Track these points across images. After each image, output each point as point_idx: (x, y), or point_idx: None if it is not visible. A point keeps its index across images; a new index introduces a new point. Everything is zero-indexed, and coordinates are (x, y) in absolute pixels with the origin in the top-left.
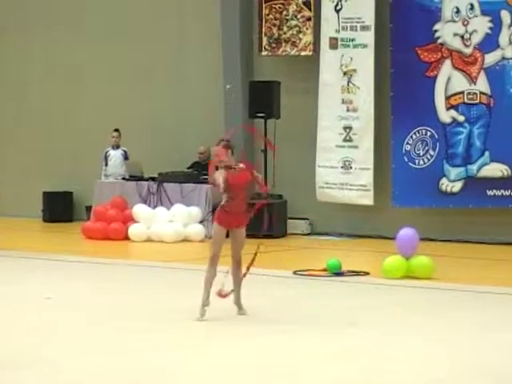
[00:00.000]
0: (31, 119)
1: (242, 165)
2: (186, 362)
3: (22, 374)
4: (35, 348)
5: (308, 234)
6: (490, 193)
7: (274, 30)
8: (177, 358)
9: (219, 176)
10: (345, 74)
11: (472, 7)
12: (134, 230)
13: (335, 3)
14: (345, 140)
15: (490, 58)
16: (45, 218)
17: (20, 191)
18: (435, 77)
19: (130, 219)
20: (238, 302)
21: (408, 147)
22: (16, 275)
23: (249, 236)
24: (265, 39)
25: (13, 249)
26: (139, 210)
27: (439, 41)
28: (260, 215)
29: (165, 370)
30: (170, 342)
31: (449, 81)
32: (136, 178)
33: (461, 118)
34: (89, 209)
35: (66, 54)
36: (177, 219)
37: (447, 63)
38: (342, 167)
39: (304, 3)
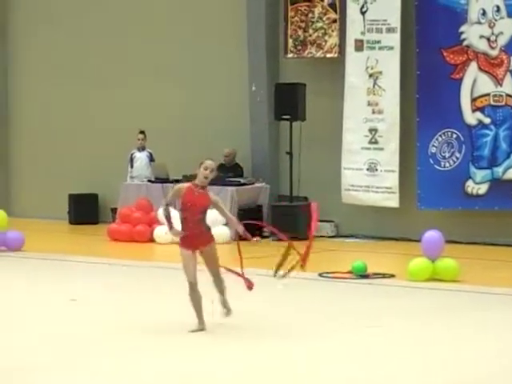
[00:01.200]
0: (57, 122)
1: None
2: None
3: (48, 376)
4: (59, 350)
5: (333, 237)
6: None
7: (300, 32)
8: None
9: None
10: (370, 76)
11: (498, 9)
12: (159, 233)
13: (361, 5)
14: (370, 142)
15: None
16: (71, 220)
17: (46, 193)
18: (461, 79)
19: (155, 221)
20: (227, 306)
21: (434, 149)
22: (41, 276)
23: (275, 238)
24: (290, 41)
25: (39, 250)
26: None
27: (465, 43)
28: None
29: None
30: (196, 343)
31: (475, 83)
32: (161, 180)
33: (486, 121)
34: (114, 211)
35: (92, 56)
36: None
37: (473, 65)
38: (367, 169)
39: (330, 5)
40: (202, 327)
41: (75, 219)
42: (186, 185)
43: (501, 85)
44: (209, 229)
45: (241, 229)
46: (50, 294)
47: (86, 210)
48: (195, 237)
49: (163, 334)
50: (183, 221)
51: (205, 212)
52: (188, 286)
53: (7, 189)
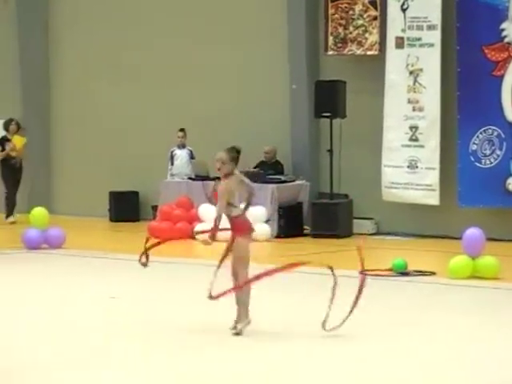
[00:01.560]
0: (98, 120)
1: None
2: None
3: (90, 374)
4: (100, 348)
5: (373, 234)
6: None
7: (340, 29)
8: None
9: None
10: (411, 73)
11: None
12: (199, 230)
13: (401, 2)
14: (411, 139)
15: None
16: (111, 218)
17: (87, 191)
18: (502, 76)
19: (196, 219)
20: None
21: (474, 147)
22: (82, 274)
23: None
24: (331, 39)
25: (80, 248)
26: (205, 209)
27: (506, 40)
28: None
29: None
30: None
31: None
32: (202, 177)
33: None
34: (155, 208)
35: (133, 55)
36: None
37: None
38: (407, 167)
39: (370, 3)
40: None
41: (116, 217)
42: (223, 181)
43: None
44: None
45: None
46: (90, 292)
47: (126, 208)
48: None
49: (203, 333)
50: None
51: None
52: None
53: (49, 187)
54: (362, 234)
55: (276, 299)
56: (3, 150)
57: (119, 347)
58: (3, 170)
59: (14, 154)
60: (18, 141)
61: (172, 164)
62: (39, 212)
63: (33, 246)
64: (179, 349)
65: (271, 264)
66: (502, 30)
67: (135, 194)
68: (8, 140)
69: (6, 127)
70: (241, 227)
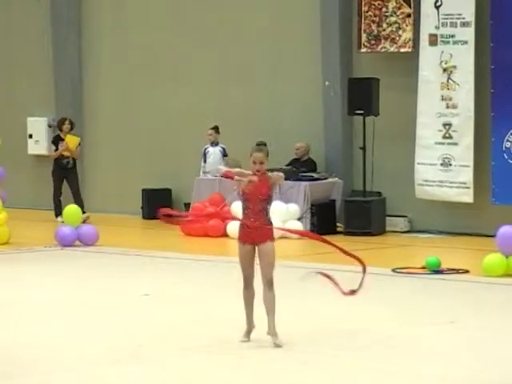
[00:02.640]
0: (131, 118)
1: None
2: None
3: (122, 370)
4: (132, 345)
5: (407, 232)
6: None
7: (374, 26)
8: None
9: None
10: (444, 70)
11: None
12: (232, 227)
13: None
14: (444, 137)
15: None
16: (144, 215)
17: (120, 188)
18: None
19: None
20: (272, 331)
21: (508, 144)
22: (115, 271)
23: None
24: (364, 36)
25: (113, 245)
26: (238, 207)
27: None
28: None
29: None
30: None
31: None
32: None
33: None
34: (187, 206)
35: (166, 53)
36: (275, 216)
37: None
38: (441, 164)
39: (403, 0)
40: (249, 329)
41: (148, 214)
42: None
43: None
44: (271, 223)
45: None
46: (122, 289)
47: (159, 205)
48: (255, 230)
49: (235, 331)
50: (244, 212)
51: (266, 202)
52: (243, 282)
53: (82, 184)
54: (395, 232)
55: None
56: (57, 149)
57: (152, 344)
58: (55, 169)
59: (66, 153)
60: (70, 140)
61: (205, 161)
62: (72, 209)
63: (66, 243)
64: (212, 345)
65: (304, 262)
66: None
67: (168, 191)
68: (61, 139)
69: (60, 126)
70: (271, 230)
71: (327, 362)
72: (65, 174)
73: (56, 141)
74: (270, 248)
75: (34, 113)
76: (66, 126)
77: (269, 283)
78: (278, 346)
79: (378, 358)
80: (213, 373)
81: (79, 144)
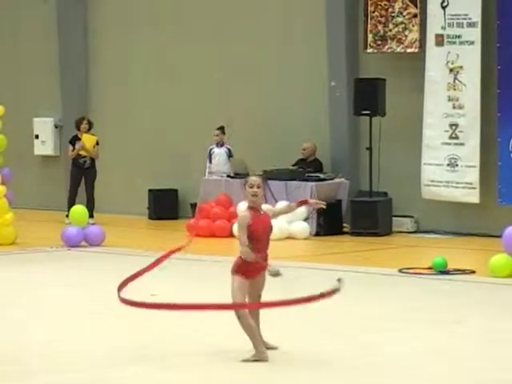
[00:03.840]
0: (137, 119)
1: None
2: None
3: (130, 371)
4: (139, 345)
5: (413, 232)
6: None
7: (380, 27)
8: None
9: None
10: (451, 71)
11: None
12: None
13: (441, 0)
14: (451, 137)
15: None
16: (150, 216)
17: (126, 189)
18: None
19: (235, 217)
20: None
21: None
22: (122, 271)
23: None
24: (370, 36)
25: (119, 246)
26: (244, 207)
27: None
28: None
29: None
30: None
31: None
32: (241, 175)
33: None
34: (194, 206)
35: (172, 52)
36: (281, 216)
37: None
38: (447, 165)
39: (410, 0)
40: (262, 357)
41: (155, 214)
42: (246, 212)
43: None
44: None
45: (312, 201)
46: (130, 290)
47: (165, 206)
48: (258, 265)
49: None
50: (254, 251)
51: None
52: (240, 316)
53: None
54: (401, 232)
55: None
56: (74, 149)
57: (159, 345)
58: (72, 169)
59: (83, 153)
60: (87, 140)
61: (210, 162)
62: (79, 210)
63: (72, 243)
64: (219, 345)
65: (310, 262)
66: None
67: (174, 191)
68: (79, 139)
69: (78, 126)
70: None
71: (329, 362)
72: (82, 174)
73: (73, 140)
74: (264, 276)
75: (40, 113)
76: (84, 126)
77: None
78: (273, 347)
79: (383, 358)
80: (219, 373)
81: (97, 143)
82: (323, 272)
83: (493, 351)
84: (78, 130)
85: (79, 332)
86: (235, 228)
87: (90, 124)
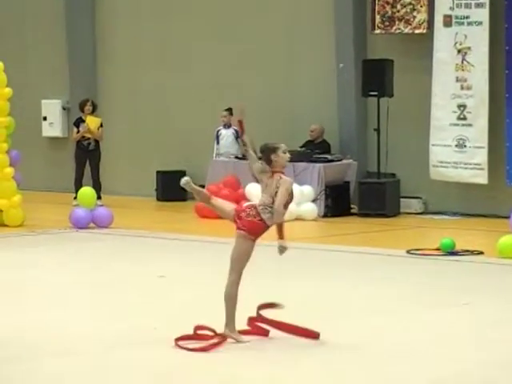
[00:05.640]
0: (144, 99)
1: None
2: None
3: (137, 352)
4: (149, 327)
5: (421, 213)
6: None
7: (388, 7)
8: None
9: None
10: (459, 51)
11: None
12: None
13: None
14: (459, 118)
15: None
16: (158, 197)
17: (134, 171)
18: None
19: (243, 198)
20: None
21: None
22: (131, 253)
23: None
24: (378, 17)
25: (128, 227)
26: (252, 189)
27: None
28: None
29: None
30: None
31: None
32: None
33: None
34: (202, 188)
35: (180, 36)
36: None
37: None
38: (455, 145)
39: None
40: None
41: (163, 196)
42: (289, 179)
43: None
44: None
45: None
46: (138, 271)
47: (173, 187)
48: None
49: (249, 311)
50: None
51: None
52: (234, 281)
53: None
54: (409, 214)
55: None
56: (79, 131)
57: (168, 326)
58: (76, 151)
59: (88, 135)
60: (91, 122)
61: (218, 143)
62: (87, 192)
63: (80, 225)
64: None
65: (319, 243)
66: None
67: (182, 173)
68: (83, 121)
69: (82, 108)
70: None
71: (338, 344)
72: (87, 156)
73: (77, 123)
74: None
75: (48, 95)
76: (88, 108)
77: None
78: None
79: (391, 340)
80: (228, 354)
81: (101, 125)
82: (331, 253)
83: (500, 332)
84: (82, 112)
85: (88, 313)
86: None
87: (94, 106)
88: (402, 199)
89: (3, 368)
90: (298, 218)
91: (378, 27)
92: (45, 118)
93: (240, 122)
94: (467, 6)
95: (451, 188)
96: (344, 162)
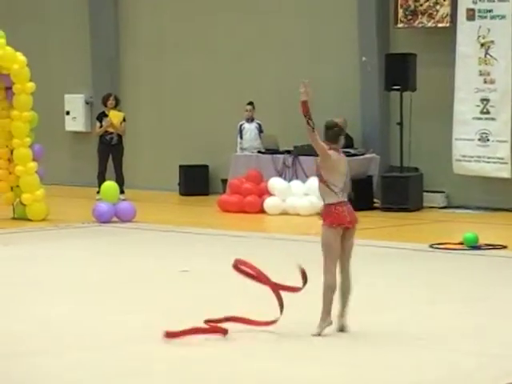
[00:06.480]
0: (168, 94)
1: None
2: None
3: (156, 348)
4: (171, 321)
5: (444, 207)
6: None
7: (410, 1)
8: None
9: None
10: (482, 45)
11: None
12: (269, 203)
13: None
14: (482, 112)
15: None
16: (181, 192)
17: (158, 165)
18: None
19: (266, 192)
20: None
21: None
22: (154, 247)
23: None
24: (401, 11)
25: (151, 221)
26: (275, 183)
27: None
28: None
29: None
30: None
31: None
32: (271, 151)
33: None
34: (224, 182)
35: (203, 28)
36: (312, 192)
37: None
38: (478, 140)
39: None
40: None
41: (186, 190)
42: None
43: None
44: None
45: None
46: (161, 265)
47: (196, 181)
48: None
49: (271, 307)
50: (337, 191)
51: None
52: (329, 281)
53: None
54: (432, 208)
55: None
56: (101, 126)
57: (191, 320)
58: (99, 146)
59: (110, 129)
60: (114, 116)
61: (241, 138)
62: (110, 186)
63: (104, 219)
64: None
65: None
66: None
67: (205, 167)
68: (106, 115)
69: (105, 102)
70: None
71: (356, 338)
72: (110, 151)
73: (100, 117)
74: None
75: (71, 90)
76: (111, 102)
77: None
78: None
79: (410, 334)
80: (250, 347)
81: (124, 120)
82: (354, 247)
83: None
84: (105, 106)
85: (111, 307)
86: (266, 203)
87: (117, 100)
88: (424, 193)
89: (23, 361)
90: (319, 212)
91: (401, 21)
92: (68, 113)
93: (304, 104)
94: None
95: (474, 182)
96: (367, 156)
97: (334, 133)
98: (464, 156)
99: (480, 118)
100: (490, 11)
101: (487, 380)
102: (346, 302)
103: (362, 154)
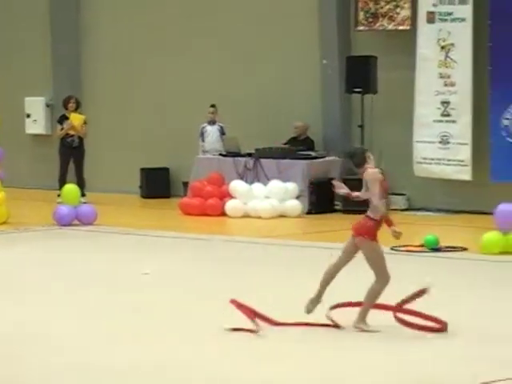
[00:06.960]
0: (129, 96)
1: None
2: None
3: (121, 349)
4: (134, 324)
5: (405, 210)
6: None
7: (371, 4)
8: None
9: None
10: (442, 48)
11: None
12: (230, 206)
13: None
14: (442, 115)
15: None
16: (142, 194)
17: (119, 167)
18: None
19: (227, 195)
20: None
21: (506, 122)
22: (114, 250)
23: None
24: (361, 14)
25: (112, 224)
26: (236, 185)
27: None
28: None
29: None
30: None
31: None
32: (233, 153)
33: None
34: (186, 184)
35: (164, 31)
36: (273, 195)
37: None
38: (439, 142)
39: None
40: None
41: (147, 193)
42: (375, 169)
43: None
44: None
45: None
46: (122, 268)
47: (157, 184)
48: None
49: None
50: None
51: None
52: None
53: None
54: (393, 210)
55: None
56: (63, 128)
57: (151, 323)
58: (60, 148)
59: (71, 132)
60: (75, 119)
61: (203, 140)
62: (71, 189)
63: (64, 222)
64: (210, 320)
65: (303, 240)
66: None
67: (166, 170)
68: (67, 118)
69: (65, 105)
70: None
71: (331, 339)
72: (71, 154)
73: (61, 120)
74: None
75: (31, 92)
76: (72, 105)
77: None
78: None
79: (376, 337)
80: (221, 349)
81: (85, 122)
82: (317, 250)
83: (487, 329)
84: (66, 109)
85: (72, 310)
86: (228, 206)
87: (78, 103)
88: None
89: None
90: (281, 215)
91: (362, 24)
92: (28, 116)
93: (349, 195)
94: (451, 2)
95: (435, 184)
96: (328, 158)
97: (358, 161)
98: (425, 158)
99: (441, 121)
100: (451, 14)
101: None
102: (325, 289)
103: (323, 157)
